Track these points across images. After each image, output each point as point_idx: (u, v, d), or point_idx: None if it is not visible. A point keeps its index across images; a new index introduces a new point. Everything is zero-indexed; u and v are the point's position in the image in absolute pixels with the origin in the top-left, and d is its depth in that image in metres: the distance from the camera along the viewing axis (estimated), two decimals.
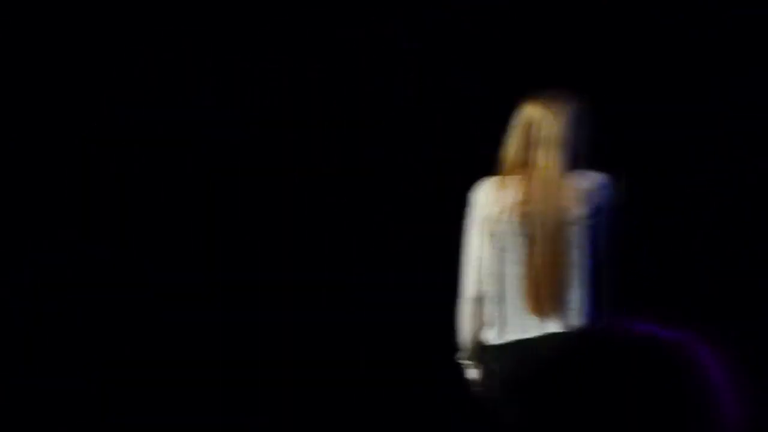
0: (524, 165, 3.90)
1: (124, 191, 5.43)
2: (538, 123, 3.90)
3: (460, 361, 4.07)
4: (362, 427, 5.36)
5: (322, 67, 5.42)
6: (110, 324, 5.34)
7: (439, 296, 4.26)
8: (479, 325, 3.95)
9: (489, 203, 3.89)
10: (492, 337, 3.92)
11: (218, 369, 5.38)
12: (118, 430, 5.32)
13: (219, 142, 5.46)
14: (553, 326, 3.86)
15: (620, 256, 3.97)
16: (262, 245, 5.46)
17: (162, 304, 5.36)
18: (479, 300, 3.93)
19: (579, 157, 3.92)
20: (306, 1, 5.44)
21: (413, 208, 5.38)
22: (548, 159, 3.87)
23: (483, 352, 3.96)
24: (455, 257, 4.05)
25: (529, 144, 3.90)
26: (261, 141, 5.44)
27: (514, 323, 3.89)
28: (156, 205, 5.44)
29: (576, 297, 3.87)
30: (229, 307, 5.38)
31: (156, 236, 5.44)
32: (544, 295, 3.84)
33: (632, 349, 1.15)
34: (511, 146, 3.93)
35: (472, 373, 4.03)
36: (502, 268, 3.88)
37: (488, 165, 4.01)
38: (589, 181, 3.91)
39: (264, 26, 5.44)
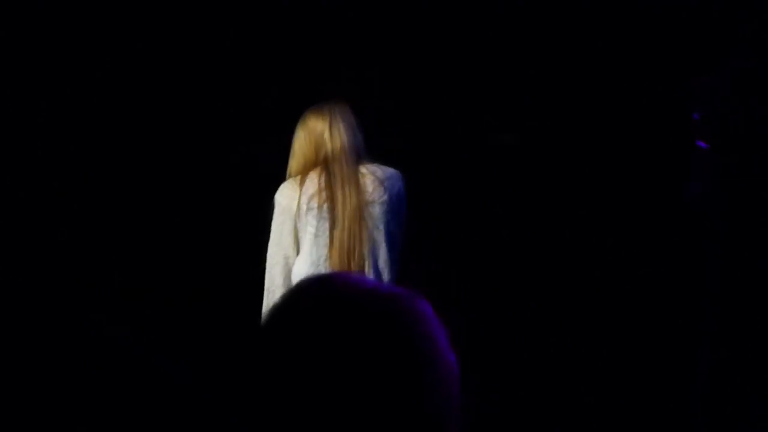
0: (317, 164, 4.10)
1: (124, 192, 5.44)
2: (326, 128, 4.11)
3: None
4: None
5: (321, 66, 5.43)
6: (109, 324, 5.34)
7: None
8: None
9: (292, 198, 4.08)
10: None
11: (218, 369, 5.37)
12: (118, 429, 5.32)
13: (219, 143, 5.47)
14: None
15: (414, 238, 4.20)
16: (262, 245, 5.46)
17: (161, 303, 5.37)
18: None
19: (365, 153, 4.15)
20: (306, 1, 5.45)
21: (413, 207, 5.38)
22: (341, 154, 4.08)
23: None
24: (454, 255, 4.05)
25: (318, 148, 4.11)
26: (261, 141, 5.45)
27: None
28: (156, 204, 5.45)
29: (378, 271, 4.05)
30: (230, 308, 5.39)
31: (156, 236, 5.45)
32: (348, 270, 3.99)
33: (356, 297, 1.22)
34: (299, 154, 4.14)
35: None
36: (315, 252, 4.05)
37: (488, 165, 4.01)
38: (384, 171, 4.13)
39: (264, 26, 5.45)
